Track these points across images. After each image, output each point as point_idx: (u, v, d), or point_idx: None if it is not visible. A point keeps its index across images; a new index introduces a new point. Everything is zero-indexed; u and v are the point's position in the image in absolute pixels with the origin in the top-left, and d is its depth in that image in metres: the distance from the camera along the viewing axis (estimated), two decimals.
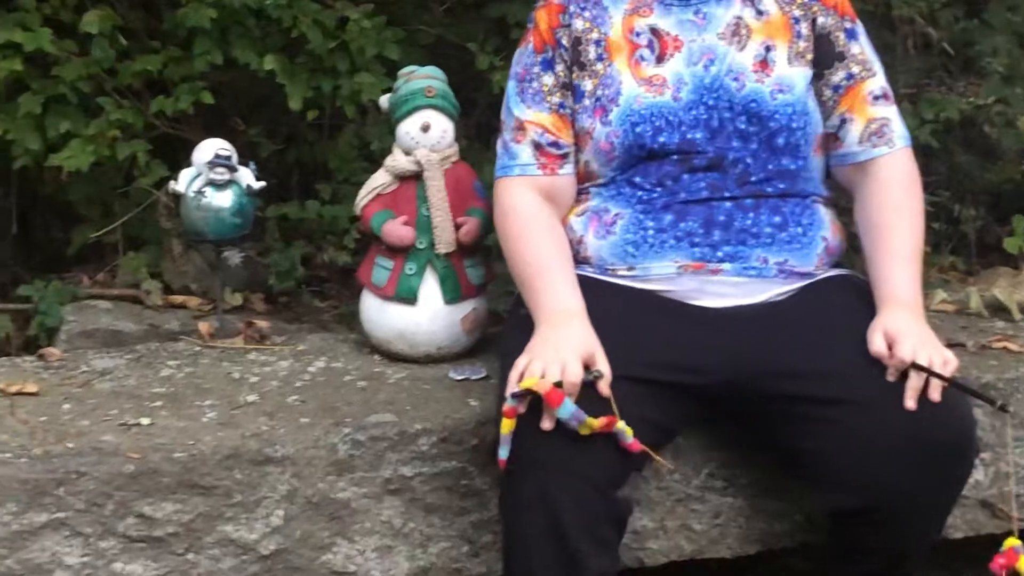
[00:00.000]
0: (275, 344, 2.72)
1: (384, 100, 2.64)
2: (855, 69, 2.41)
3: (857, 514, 2.20)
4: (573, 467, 2.10)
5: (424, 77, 2.61)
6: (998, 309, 2.91)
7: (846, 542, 2.28)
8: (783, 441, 2.26)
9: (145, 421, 2.30)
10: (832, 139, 2.42)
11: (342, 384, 2.50)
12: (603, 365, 2.12)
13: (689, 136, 2.33)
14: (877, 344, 2.18)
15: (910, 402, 2.12)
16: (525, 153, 2.40)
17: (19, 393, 2.41)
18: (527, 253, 2.34)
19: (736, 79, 2.35)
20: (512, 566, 2.21)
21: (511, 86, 2.46)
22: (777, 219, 2.35)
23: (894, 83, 2.59)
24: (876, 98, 2.41)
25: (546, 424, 2.05)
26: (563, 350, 2.11)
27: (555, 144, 2.39)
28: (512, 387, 2.08)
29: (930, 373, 2.11)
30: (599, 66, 2.39)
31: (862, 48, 2.43)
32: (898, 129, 2.41)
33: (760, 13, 2.39)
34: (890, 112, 2.42)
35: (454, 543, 2.35)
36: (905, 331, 2.17)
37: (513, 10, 3.12)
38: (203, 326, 2.79)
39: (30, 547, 2.15)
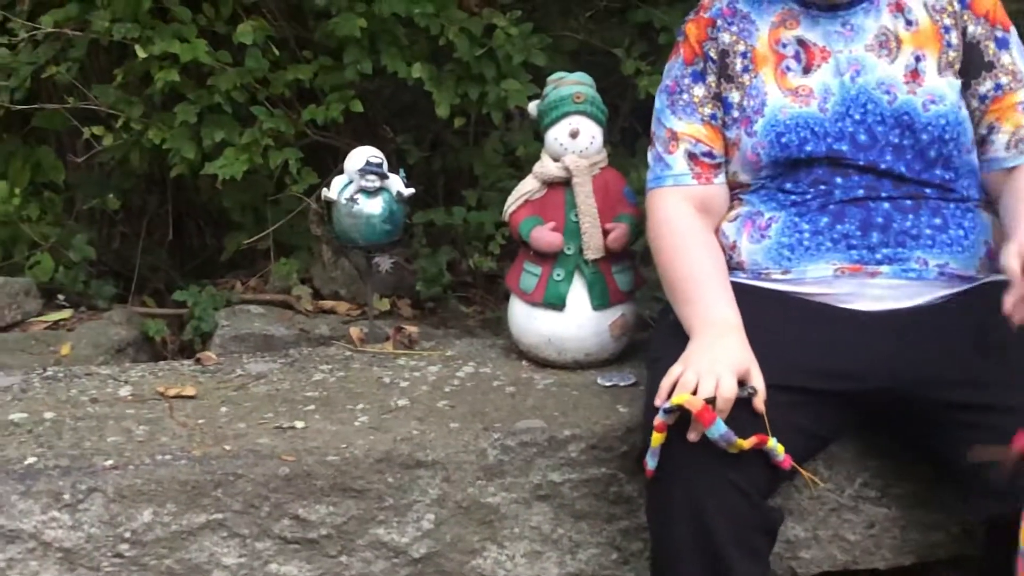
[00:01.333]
0: (424, 349, 2.73)
1: (533, 106, 2.64)
2: (1004, 80, 2.34)
3: (1015, 523, 2.13)
4: (722, 475, 2.08)
5: (573, 83, 2.60)
6: None
7: (1003, 554, 2.22)
8: (940, 448, 2.21)
9: (299, 424, 2.33)
10: (978, 146, 2.36)
11: (491, 389, 2.50)
12: (758, 381, 2.10)
13: (836, 147, 2.29)
14: (1012, 265, 2.04)
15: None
16: (679, 163, 2.38)
17: (178, 396, 2.45)
18: (682, 266, 2.32)
19: (887, 92, 2.30)
20: (660, 574, 2.20)
21: (661, 99, 2.44)
22: (937, 220, 2.29)
23: None
24: None
25: (692, 436, 2.04)
26: (719, 363, 2.09)
27: (709, 154, 2.37)
28: (663, 397, 2.07)
29: None
30: (745, 78, 2.37)
31: (1013, 58, 2.36)
32: None
33: (909, 23, 2.35)
34: None
35: (603, 550, 2.34)
36: None
37: (658, 15, 3.11)
38: (353, 331, 2.81)
39: (189, 547, 2.19)
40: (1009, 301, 2.03)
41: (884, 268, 2.27)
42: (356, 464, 2.23)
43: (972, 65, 2.35)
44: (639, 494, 2.30)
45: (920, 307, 2.26)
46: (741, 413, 2.06)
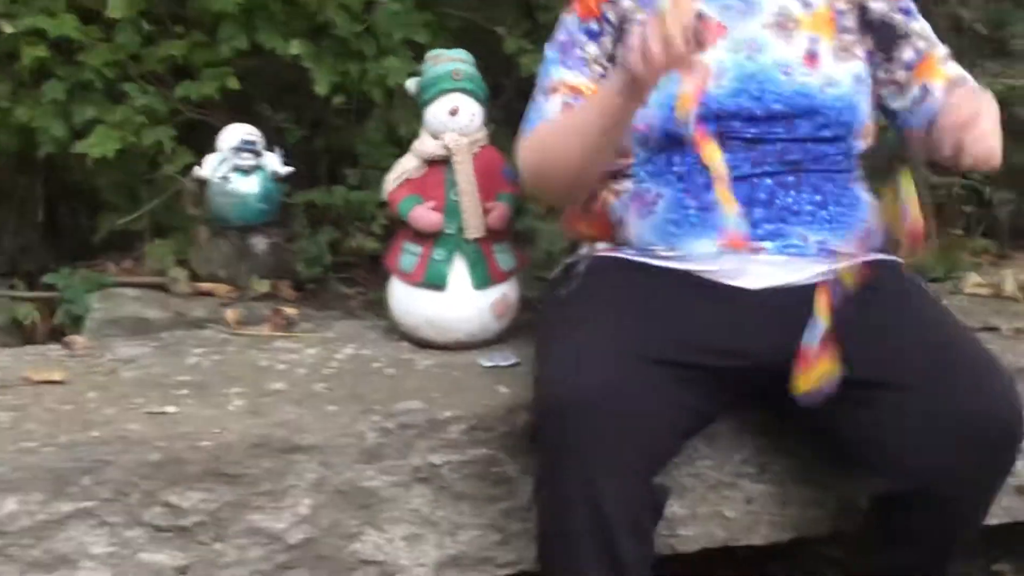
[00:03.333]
0: (302, 331, 2.70)
1: (411, 84, 2.61)
2: (921, 44, 2.41)
3: (904, 498, 2.17)
4: (617, 455, 2.07)
5: (451, 60, 2.58)
6: None
7: (890, 529, 2.24)
8: (826, 425, 2.23)
9: (171, 409, 2.28)
10: (917, 103, 2.40)
11: (370, 371, 2.48)
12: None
13: (728, 123, 2.30)
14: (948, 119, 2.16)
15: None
16: (553, 108, 2.36)
17: (45, 382, 2.39)
18: (561, 125, 2.31)
19: (785, 72, 2.31)
20: (550, 558, 2.19)
21: (552, 50, 2.41)
22: (818, 198, 2.32)
23: None
24: (945, 61, 2.42)
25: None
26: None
27: None
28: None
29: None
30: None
31: (920, 24, 2.43)
32: (968, 76, 2.42)
33: (807, 5, 2.37)
34: (955, 68, 2.42)
35: (484, 531, 2.32)
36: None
37: None
38: (230, 313, 2.78)
39: (56, 537, 2.13)
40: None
41: (767, 244, 2.29)
42: (230, 449, 2.19)
43: (886, 39, 2.39)
44: (520, 475, 2.29)
45: (804, 285, 2.28)
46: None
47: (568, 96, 2.36)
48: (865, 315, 2.22)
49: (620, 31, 2.37)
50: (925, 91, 2.39)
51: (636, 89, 2.10)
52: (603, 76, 2.35)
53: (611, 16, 2.38)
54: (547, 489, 2.14)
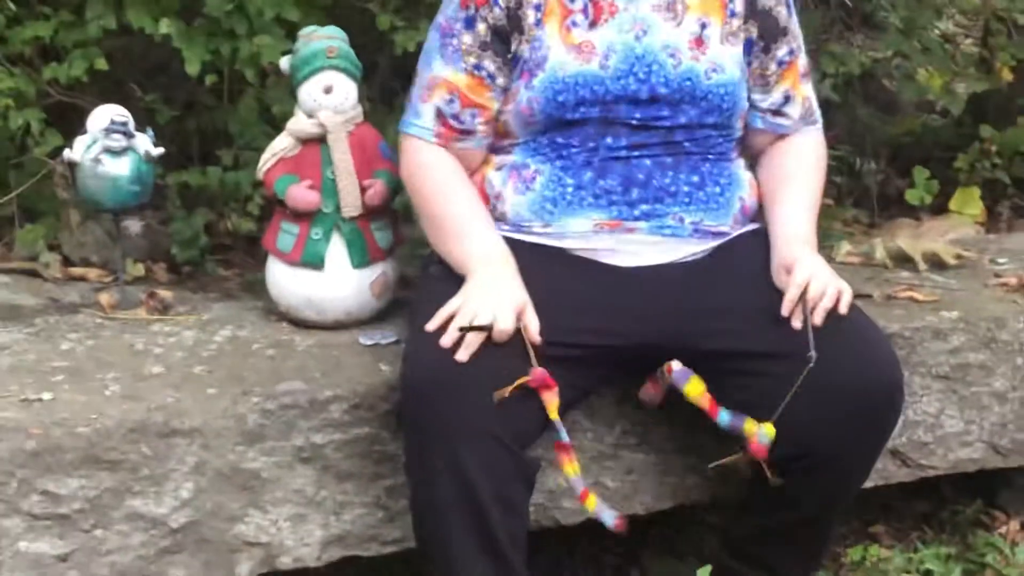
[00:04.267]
0: (179, 314, 2.67)
1: (284, 62, 2.59)
2: (793, 45, 2.43)
3: (787, 463, 2.21)
4: (484, 429, 2.09)
5: (324, 37, 2.56)
6: (902, 260, 2.95)
7: (771, 493, 2.28)
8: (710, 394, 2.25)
9: (47, 396, 2.25)
10: (771, 112, 2.45)
11: (250, 353, 2.47)
12: (531, 319, 2.14)
13: (614, 107, 2.31)
14: (781, 278, 2.23)
15: (796, 322, 2.19)
16: (427, 116, 2.37)
17: None
18: (448, 203, 2.34)
19: (672, 55, 2.31)
20: (424, 534, 2.21)
21: (432, 37, 2.40)
22: (695, 178, 2.35)
23: None
24: (804, 75, 2.46)
25: (462, 356, 2.10)
26: (499, 299, 2.14)
27: (457, 118, 2.35)
28: (436, 324, 2.13)
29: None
30: (535, 31, 2.33)
31: (794, 23, 2.44)
32: (816, 106, 2.50)
33: None
34: (810, 89, 2.49)
35: (369, 509, 2.33)
36: (801, 259, 2.24)
37: None
38: (104, 297, 2.73)
39: None
40: (787, 308, 2.20)
41: (641, 224, 2.32)
42: (108, 435, 2.16)
43: (768, 32, 2.40)
44: (402, 453, 2.29)
45: (676, 263, 2.31)
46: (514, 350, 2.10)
47: (443, 100, 2.35)
48: (736, 287, 2.26)
49: (516, 16, 2.33)
50: (786, 99, 2.44)
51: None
52: (477, 67, 2.34)
53: (504, 2, 2.32)
54: (415, 463, 2.17)
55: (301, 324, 2.58)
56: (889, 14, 3.59)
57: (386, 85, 3.17)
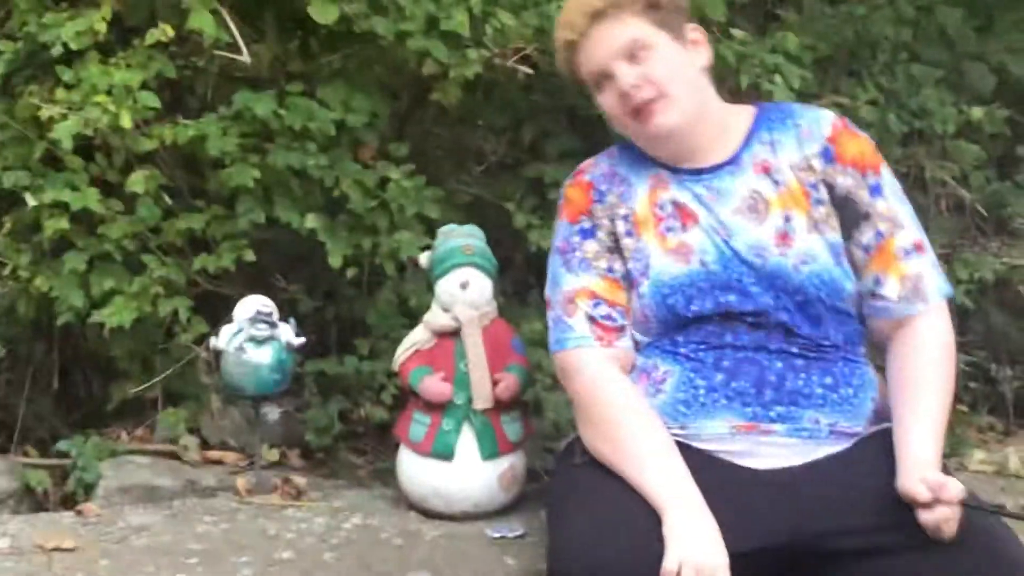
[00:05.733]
0: (311, 500, 2.71)
1: (424, 258, 2.67)
2: (882, 227, 2.36)
3: None
4: None
5: (462, 236, 2.65)
6: None
7: None
8: None
9: None
10: (869, 296, 2.39)
11: (377, 541, 2.48)
12: None
13: (723, 299, 2.31)
14: (920, 493, 2.14)
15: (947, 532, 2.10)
16: (581, 325, 2.35)
17: (56, 549, 2.39)
18: (629, 437, 2.26)
19: (759, 255, 2.32)
20: None
21: (555, 260, 2.43)
22: (828, 380, 2.32)
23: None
24: (907, 252, 2.37)
25: None
26: (710, 563, 2.07)
27: (609, 317, 2.35)
28: None
29: (974, 507, 2.11)
30: (629, 241, 2.38)
31: (888, 203, 2.39)
32: (932, 283, 2.37)
33: (777, 183, 2.37)
34: (923, 265, 2.37)
35: None
36: (930, 476, 2.13)
37: (549, 171, 3.17)
38: (240, 482, 2.79)
39: None
40: (930, 519, 2.10)
41: (777, 427, 2.28)
42: None
43: (849, 218, 2.36)
44: None
45: (814, 462, 2.29)
46: None
47: (587, 305, 2.36)
48: (874, 486, 2.22)
49: (613, 227, 2.39)
50: (877, 283, 2.36)
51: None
52: (610, 270, 2.38)
53: (600, 214, 2.39)
54: None
55: (429, 514, 2.59)
56: None
57: (520, 281, 3.22)
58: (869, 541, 2.16)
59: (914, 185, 3.37)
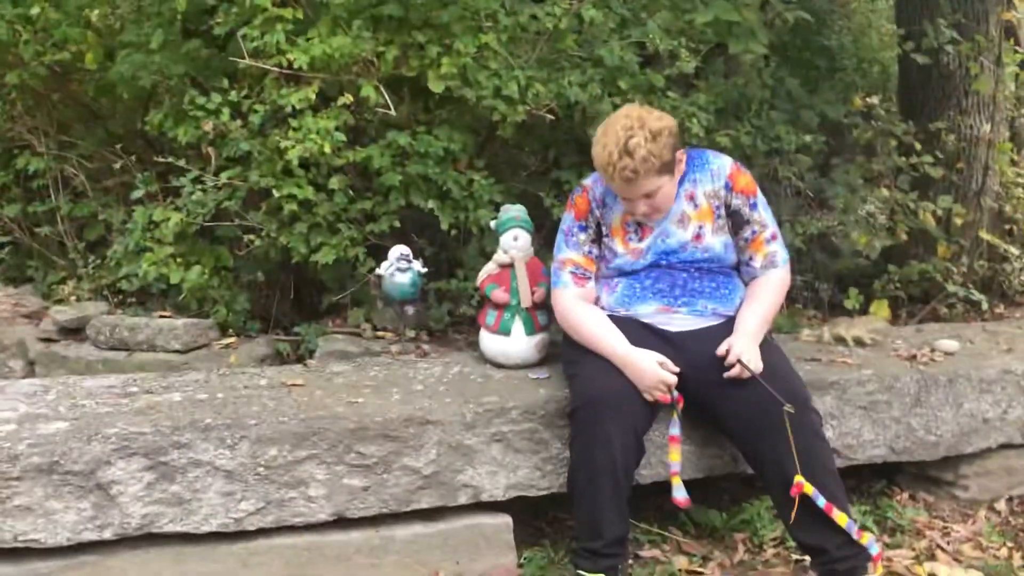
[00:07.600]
0: (433, 358, 2.72)
1: (493, 223, 2.65)
2: (756, 228, 2.33)
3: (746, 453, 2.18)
4: (624, 425, 2.07)
5: (514, 210, 2.62)
6: (840, 340, 2.84)
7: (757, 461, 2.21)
8: (716, 413, 2.22)
9: (360, 400, 2.30)
10: (745, 265, 2.36)
11: (469, 381, 2.48)
12: (671, 365, 2.15)
13: (651, 272, 2.31)
14: (720, 350, 2.15)
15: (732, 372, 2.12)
16: (565, 277, 2.35)
17: (293, 385, 2.42)
18: (588, 330, 2.28)
19: (683, 248, 2.29)
20: (577, 485, 2.15)
21: (560, 237, 2.39)
22: (713, 284, 2.32)
23: (779, 215, 2.54)
24: (767, 241, 2.34)
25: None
26: (651, 363, 2.14)
27: (583, 274, 2.35)
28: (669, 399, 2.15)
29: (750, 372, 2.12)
30: (605, 240, 2.35)
31: (759, 214, 2.33)
32: (780, 256, 2.35)
33: (696, 206, 2.31)
34: (776, 247, 2.35)
35: (531, 470, 2.31)
36: (736, 343, 2.15)
37: (567, 176, 3.11)
38: (393, 348, 2.80)
39: (297, 469, 2.16)
40: (721, 350, 2.14)
41: (683, 309, 2.28)
42: (392, 422, 2.21)
43: (737, 223, 2.32)
44: (551, 438, 2.28)
45: (702, 329, 2.28)
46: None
47: (573, 267, 2.34)
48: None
49: (599, 227, 2.34)
50: (751, 259, 2.33)
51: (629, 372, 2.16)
52: (589, 251, 2.34)
53: (591, 218, 2.34)
54: (579, 443, 2.13)
55: (497, 366, 2.58)
56: (835, 200, 3.52)
57: (547, 237, 3.18)
58: (718, 374, 2.16)
59: (772, 181, 3.31)
